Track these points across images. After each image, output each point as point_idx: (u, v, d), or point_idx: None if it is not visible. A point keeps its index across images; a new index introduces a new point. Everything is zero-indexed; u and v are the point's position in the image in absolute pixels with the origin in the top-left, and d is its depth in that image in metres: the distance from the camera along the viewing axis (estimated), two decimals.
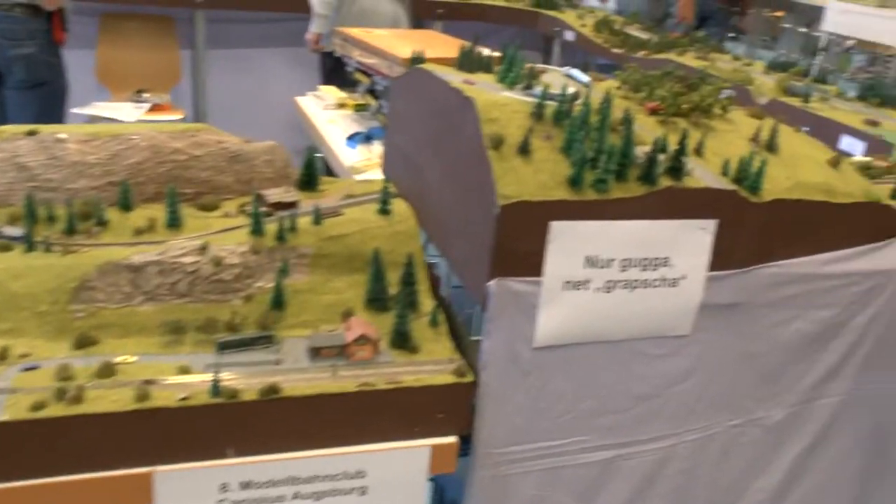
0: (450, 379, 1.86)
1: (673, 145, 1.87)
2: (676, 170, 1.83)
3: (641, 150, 1.82)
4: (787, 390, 2.30)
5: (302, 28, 5.85)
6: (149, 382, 1.73)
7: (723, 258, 1.93)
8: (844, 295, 2.22)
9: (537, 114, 1.85)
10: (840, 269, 2.17)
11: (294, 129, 4.75)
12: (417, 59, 2.47)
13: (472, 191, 1.85)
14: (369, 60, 3.84)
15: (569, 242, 1.77)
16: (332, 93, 4.55)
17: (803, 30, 10.47)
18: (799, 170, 2.08)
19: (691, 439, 2.18)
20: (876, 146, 3.06)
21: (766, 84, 3.77)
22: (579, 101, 1.90)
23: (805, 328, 2.21)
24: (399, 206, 2.22)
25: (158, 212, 2.10)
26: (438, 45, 3.99)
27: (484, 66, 2.24)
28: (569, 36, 5.27)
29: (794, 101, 3.47)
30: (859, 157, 2.73)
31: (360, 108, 4.29)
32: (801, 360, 2.27)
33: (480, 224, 1.78)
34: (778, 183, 2.00)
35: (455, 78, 2.05)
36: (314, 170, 2.35)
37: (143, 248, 1.98)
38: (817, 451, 2.47)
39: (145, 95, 5.61)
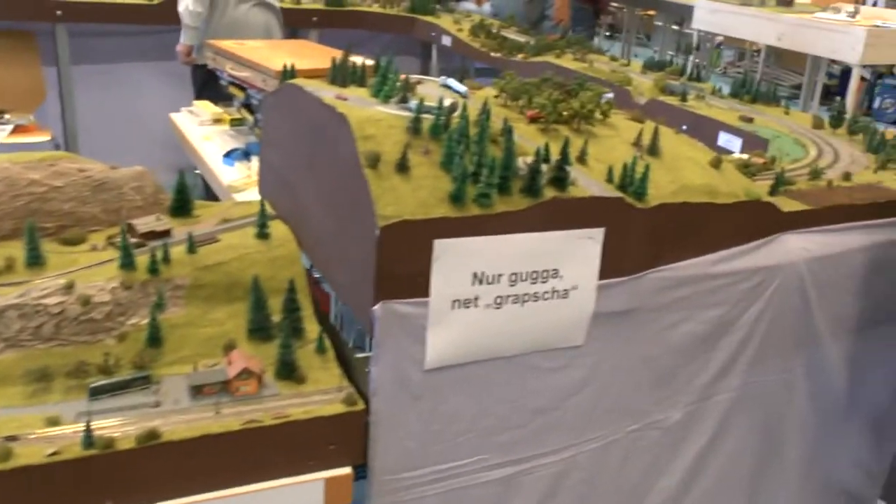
0: (339, 408, 1.77)
1: (555, 154, 1.83)
2: (560, 180, 1.79)
3: (524, 161, 1.78)
4: (683, 391, 2.30)
5: (175, 40, 5.66)
6: (11, 439, 1.59)
7: (612, 266, 1.90)
8: (732, 293, 2.23)
9: (414, 128, 1.79)
10: (727, 269, 2.17)
11: (172, 146, 4.57)
12: (288, 73, 2.36)
13: (350, 211, 1.77)
14: (242, 73, 3.72)
15: (454, 260, 1.71)
16: (207, 108, 4.40)
17: (675, 27, 10.76)
18: (682, 172, 2.07)
19: (591, 448, 2.15)
20: (751, 142, 3.10)
21: (643, 84, 3.80)
22: (457, 114, 1.84)
23: (696, 328, 2.22)
24: (278, 228, 2.13)
25: (16, 250, 1.95)
26: (312, 55, 3.89)
27: (357, 78, 2.16)
28: (446, 41, 5.24)
29: (673, 100, 3.51)
30: (738, 155, 2.76)
31: (236, 122, 4.16)
32: (694, 360, 2.27)
33: (361, 246, 1.71)
34: (662, 187, 1.98)
35: (327, 93, 1.97)
36: (186, 194, 2.23)
37: (0, 290, 1.84)
38: (714, 448, 2.48)
39: (7, 117, 5.32)
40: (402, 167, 1.71)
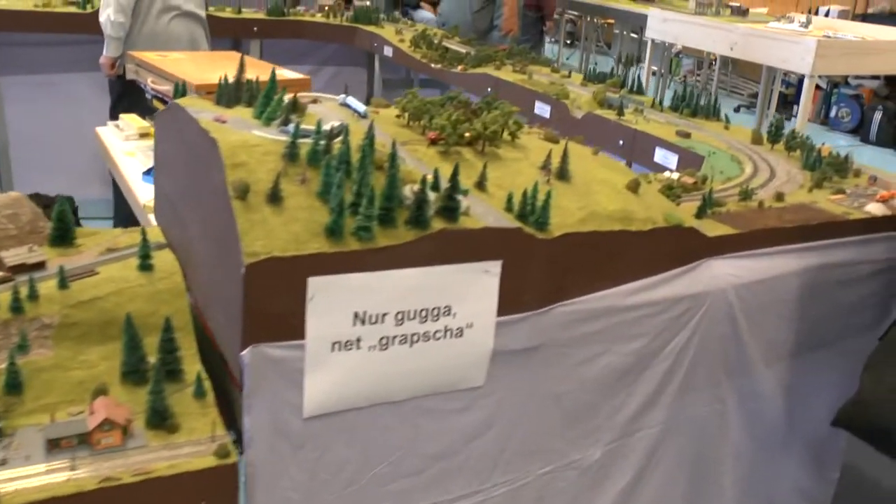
0: (210, 462, 1.61)
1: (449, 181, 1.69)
2: (451, 210, 1.65)
3: (411, 190, 1.63)
4: (603, 427, 2.17)
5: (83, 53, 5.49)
6: None
7: (513, 301, 1.76)
8: (654, 324, 2.10)
9: (291, 154, 1.64)
10: (646, 299, 2.04)
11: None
12: (180, 91, 2.20)
13: (221, 246, 1.62)
14: (163, 87, 3.55)
15: (332, 299, 1.56)
16: (134, 122, 4.22)
17: (634, 36, 10.70)
18: (594, 197, 1.94)
19: (500, 493, 2.01)
20: (687, 158, 2.99)
21: (582, 97, 3.67)
22: (339, 138, 1.70)
23: (615, 362, 2.08)
24: (164, 259, 1.96)
25: None
26: (234, 67, 3.74)
27: (251, 97, 2.01)
28: (387, 51, 5.09)
29: (610, 115, 3.38)
30: (668, 175, 2.64)
31: None
32: (615, 395, 2.14)
33: (230, 285, 1.56)
34: (569, 214, 1.85)
35: (208, 115, 1.82)
36: (68, 222, 2.06)
37: None
38: (641, 484, 2.35)
39: None
40: (275, 198, 1.56)
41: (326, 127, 1.72)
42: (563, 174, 1.94)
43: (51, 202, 5.26)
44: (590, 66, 11.03)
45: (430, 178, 1.72)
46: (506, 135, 2.03)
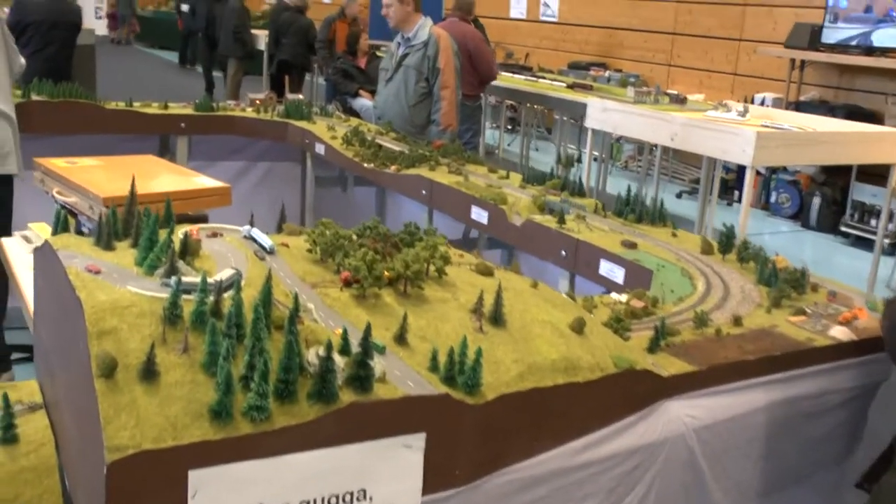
0: None
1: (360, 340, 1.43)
2: (362, 378, 1.39)
3: (316, 355, 1.38)
4: None
5: (29, 148, 5.19)
6: None
7: (441, 476, 1.50)
8: (605, 481, 1.85)
9: (171, 317, 1.37)
10: (595, 456, 1.79)
11: None
12: (61, 221, 1.94)
13: (84, 432, 1.34)
14: (70, 199, 3.27)
15: (219, 494, 1.28)
16: (44, 233, 3.91)
17: (573, 122, 10.67)
18: (533, 344, 1.69)
19: None
20: (634, 272, 2.77)
21: (521, 201, 3.46)
22: (230, 292, 1.44)
23: None
24: (36, 425, 1.68)
25: None
26: (154, 175, 3.49)
27: (147, 230, 1.74)
28: (319, 149, 4.86)
29: (550, 222, 3.17)
30: (615, 298, 2.41)
31: None
32: None
33: (94, 480, 1.27)
34: (504, 370, 1.60)
35: (81, 260, 1.55)
36: None
37: None
38: None
39: None
40: (149, 373, 1.29)
41: (217, 277, 1.46)
42: (496, 318, 1.70)
43: None
44: (530, 151, 11.03)
45: (338, 335, 1.47)
46: (432, 269, 1.78)
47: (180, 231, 1.74)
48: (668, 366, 1.97)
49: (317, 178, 5.43)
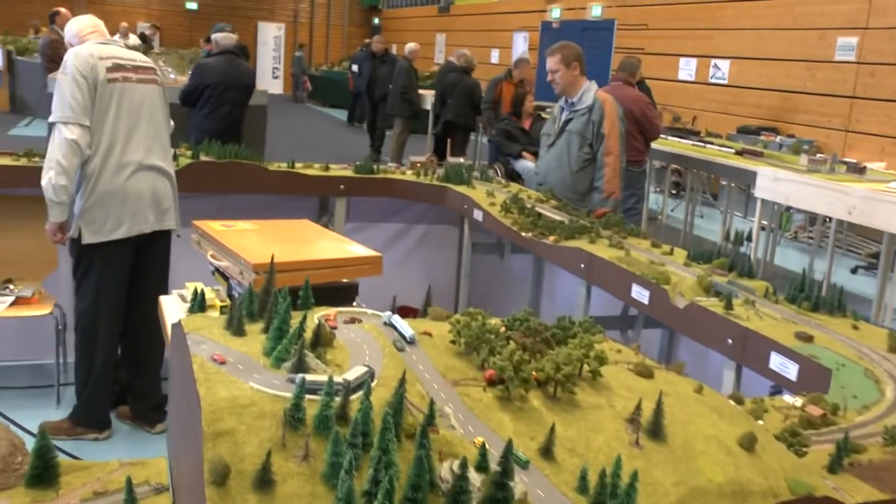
0: None
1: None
2: (499, 501, 1.23)
3: (450, 470, 1.23)
4: None
5: (193, 206, 5.33)
6: None
7: None
8: None
9: (293, 419, 1.26)
10: None
11: None
12: (198, 299, 1.88)
13: None
14: (222, 263, 3.27)
15: None
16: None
17: (742, 189, 10.24)
18: (695, 464, 1.49)
19: None
20: (809, 370, 2.50)
21: (685, 281, 3.24)
22: (359, 392, 1.31)
23: None
24: None
25: None
26: (307, 241, 3.46)
27: (280, 313, 1.65)
28: (477, 215, 4.77)
29: (717, 307, 2.93)
30: (788, 398, 2.17)
31: (224, 310, 3.69)
32: None
33: None
34: (662, 494, 1.40)
35: (208, 347, 1.47)
36: (48, 460, 1.72)
37: None
38: None
39: (10, 287, 4.99)
40: (264, 483, 1.18)
41: (347, 376, 1.34)
42: (656, 431, 1.51)
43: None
44: (695, 217, 10.62)
45: (477, 445, 1.32)
46: (585, 370, 1.61)
47: (316, 315, 1.64)
48: (853, 491, 1.71)
49: (474, 244, 5.33)
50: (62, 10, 10.22)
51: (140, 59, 4.38)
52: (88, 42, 4.24)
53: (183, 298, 3.97)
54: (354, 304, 3.08)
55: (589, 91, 5.32)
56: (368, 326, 1.68)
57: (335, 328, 1.61)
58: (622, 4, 15.52)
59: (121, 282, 4.29)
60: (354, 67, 16.67)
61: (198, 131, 7.20)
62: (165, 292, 3.93)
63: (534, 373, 1.53)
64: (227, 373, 1.37)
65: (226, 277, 3.44)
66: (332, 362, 1.44)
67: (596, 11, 16.12)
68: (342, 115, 20.88)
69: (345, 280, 3.19)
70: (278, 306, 1.59)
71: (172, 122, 4.63)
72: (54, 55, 8.04)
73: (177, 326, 1.64)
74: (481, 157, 13.02)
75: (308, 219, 5.45)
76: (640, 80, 8.58)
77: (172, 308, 3.88)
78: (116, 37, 17.03)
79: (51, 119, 4.04)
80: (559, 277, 4.99)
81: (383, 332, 1.65)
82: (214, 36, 7.84)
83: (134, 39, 19.59)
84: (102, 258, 4.17)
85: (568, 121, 5.32)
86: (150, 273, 4.45)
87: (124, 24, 21.42)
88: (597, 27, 15.61)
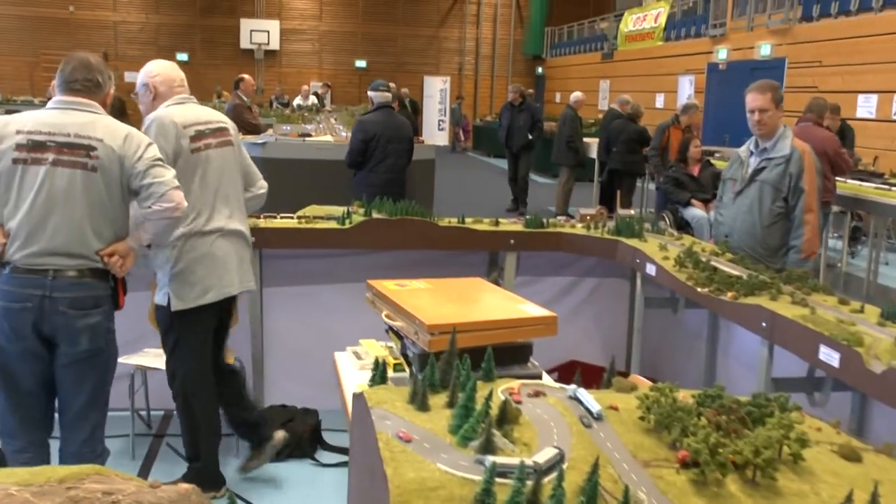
0: None
1: None
2: None
3: None
4: None
5: (367, 262, 5.45)
6: None
7: None
8: None
9: None
10: None
11: None
12: (379, 370, 1.88)
13: None
14: (397, 322, 3.30)
15: None
16: (372, 349, 4.01)
17: None
18: None
19: None
20: None
21: (881, 343, 3.03)
22: (552, 475, 1.26)
23: None
24: None
25: None
26: (481, 301, 3.44)
27: (461, 384, 1.63)
28: (650, 269, 4.65)
29: None
30: None
31: (399, 368, 3.72)
32: None
33: None
34: None
35: (392, 422, 1.46)
36: None
37: None
38: None
39: None
40: None
41: (537, 458, 1.29)
42: None
43: (294, 416, 5.18)
44: (879, 265, 10.03)
45: None
46: (785, 452, 1.51)
47: (500, 389, 1.61)
48: None
49: (646, 299, 5.19)
50: (246, 76, 10.78)
51: (217, 119, 4.37)
52: (171, 103, 4.22)
53: (357, 355, 4.05)
54: (528, 364, 3.04)
55: (785, 138, 4.83)
56: (554, 401, 1.63)
57: (520, 402, 1.57)
58: (793, 42, 14.99)
59: (208, 341, 4.35)
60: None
61: (363, 185, 7.40)
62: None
63: (730, 456, 1.44)
64: (414, 452, 1.35)
65: (400, 337, 3.47)
66: (519, 441, 1.40)
67: (765, 50, 15.64)
68: (502, 163, 21.08)
69: (519, 340, 3.16)
70: (460, 379, 1.57)
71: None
72: (238, 119, 8.43)
73: (360, 398, 1.64)
74: (647, 205, 12.81)
75: (478, 273, 5.49)
76: (840, 124, 8.27)
77: (346, 365, 3.96)
78: (298, 99, 17.77)
79: None
80: (736, 334, 4.79)
81: (569, 408, 1.60)
82: (370, 93, 8.04)
83: (312, 99, 20.50)
84: (191, 323, 4.20)
85: (760, 169, 4.85)
86: (224, 326, 4.56)
87: (305, 87, 22.49)
88: (766, 66, 15.16)
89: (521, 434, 1.46)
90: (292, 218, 5.41)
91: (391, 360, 3.85)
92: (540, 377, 2.89)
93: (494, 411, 1.47)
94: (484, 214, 5.84)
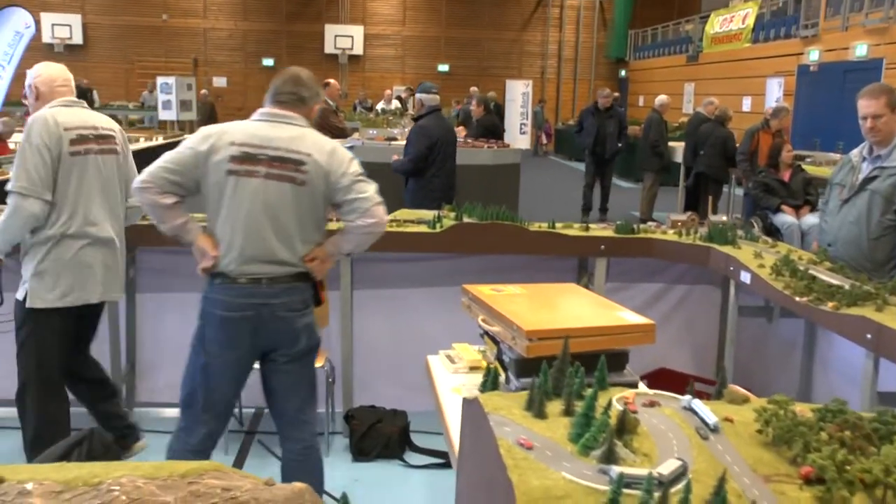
0: None
1: None
2: None
3: None
4: None
5: (456, 267, 5.47)
6: None
7: None
8: None
9: None
10: None
11: None
12: (491, 379, 1.89)
13: None
14: (494, 327, 3.31)
15: None
16: (465, 352, 4.02)
17: None
18: None
19: None
20: None
21: None
22: (679, 486, 1.26)
23: None
24: None
25: None
26: (576, 307, 3.43)
27: (574, 392, 1.63)
28: (744, 277, 4.56)
29: None
30: None
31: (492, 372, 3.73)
32: None
33: None
34: None
35: (511, 429, 1.46)
36: None
37: None
38: None
39: None
40: None
41: (661, 470, 1.29)
42: None
43: (383, 417, 5.22)
44: None
45: None
46: None
47: (615, 398, 1.60)
48: None
49: (740, 308, 5.10)
50: (332, 81, 10.91)
51: (105, 127, 4.36)
52: (56, 104, 4.22)
53: (450, 359, 4.06)
54: (625, 371, 3.03)
55: None
56: (669, 411, 1.62)
57: (635, 412, 1.56)
58: (892, 41, 14.51)
59: (61, 345, 4.31)
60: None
61: (425, 191, 7.38)
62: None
63: (859, 474, 1.41)
64: (536, 459, 1.36)
65: (496, 341, 3.47)
66: (638, 451, 1.39)
67: (861, 51, 15.19)
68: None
69: (616, 347, 3.14)
70: (575, 387, 1.57)
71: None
72: (324, 123, 8.53)
73: (474, 404, 1.65)
74: (734, 211, 12.59)
75: (567, 278, 5.48)
76: None
77: (439, 368, 3.98)
78: (381, 103, 17.82)
79: (9, 187, 4.03)
80: (835, 345, 4.67)
81: (685, 419, 1.59)
82: (420, 96, 7.92)
83: (395, 103, 20.67)
84: (44, 323, 4.19)
85: (872, 178, 4.60)
86: (87, 337, 4.58)
87: (388, 91, 22.73)
88: (862, 68, 14.75)
89: (640, 444, 1.46)
90: None
91: (483, 364, 3.86)
92: (636, 385, 2.87)
93: (613, 420, 1.46)
94: (568, 219, 5.83)
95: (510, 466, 1.31)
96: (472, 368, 3.86)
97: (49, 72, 4.36)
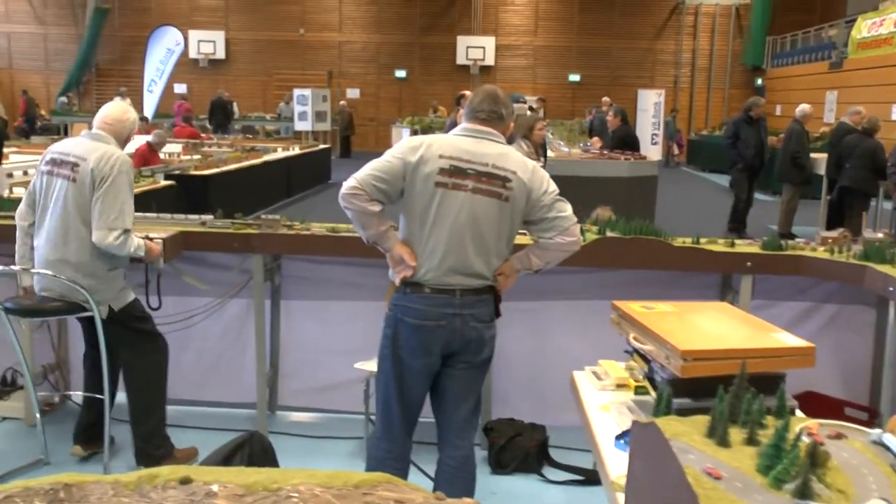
0: None
1: None
2: None
3: None
4: None
5: (605, 280, 5.42)
6: None
7: None
8: None
9: None
10: None
11: None
12: (663, 402, 1.86)
13: None
14: (646, 346, 3.26)
15: None
16: (612, 369, 3.97)
17: None
18: None
19: None
20: None
21: None
22: None
23: None
24: None
25: None
26: (729, 326, 3.35)
27: (755, 419, 1.60)
28: None
29: None
30: None
31: (640, 390, 3.67)
32: None
33: None
34: None
35: (696, 456, 1.44)
36: None
37: None
38: None
39: None
40: None
41: None
42: None
43: (522, 430, 5.21)
44: None
45: None
46: None
47: (797, 427, 1.56)
48: None
49: None
50: (467, 92, 11.01)
51: (77, 154, 4.55)
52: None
53: (596, 375, 4.03)
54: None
55: None
56: (859, 445, 1.57)
57: (822, 444, 1.51)
58: None
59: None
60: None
61: None
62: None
63: None
64: (726, 490, 1.33)
65: (646, 360, 3.42)
66: (832, 486, 1.35)
67: None
68: (720, 179, 20.38)
69: (773, 370, 3.05)
70: (751, 415, 1.54)
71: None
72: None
73: (651, 429, 1.63)
74: (881, 226, 12.05)
75: (709, 295, 5.36)
76: None
77: (585, 385, 3.95)
78: None
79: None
80: None
81: (877, 454, 1.53)
82: None
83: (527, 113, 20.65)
84: None
85: None
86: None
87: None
88: None
89: (833, 480, 1.41)
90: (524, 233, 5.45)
91: (631, 383, 3.82)
92: (794, 412, 2.78)
93: (802, 453, 1.42)
94: (706, 232, 5.70)
95: (701, 496, 1.29)
96: (619, 386, 3.82)
97: (132, 120, 4.86)
